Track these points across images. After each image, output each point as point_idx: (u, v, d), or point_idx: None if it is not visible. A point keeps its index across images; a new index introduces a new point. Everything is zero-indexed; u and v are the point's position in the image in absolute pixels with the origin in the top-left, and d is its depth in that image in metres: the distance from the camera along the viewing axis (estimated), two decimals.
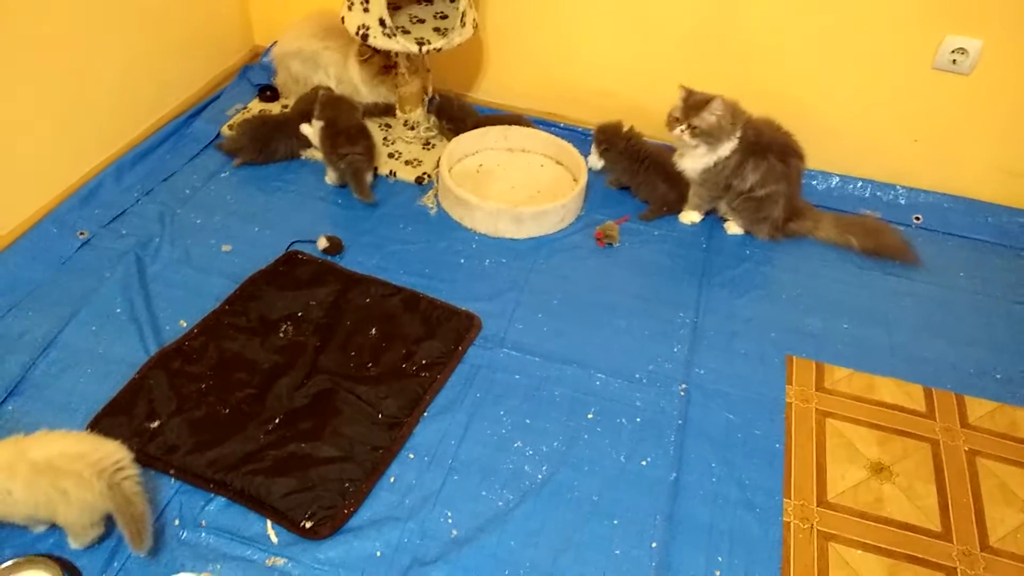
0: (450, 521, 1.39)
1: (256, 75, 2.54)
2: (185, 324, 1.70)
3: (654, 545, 1.38)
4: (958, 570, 1.37)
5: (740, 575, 1.35)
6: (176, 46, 2.30)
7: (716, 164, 1.96)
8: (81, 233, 1.90)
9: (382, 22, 2.01)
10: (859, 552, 1.39)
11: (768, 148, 1.98)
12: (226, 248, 1.92)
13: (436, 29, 2.14)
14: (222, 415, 1.50)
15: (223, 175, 2.16)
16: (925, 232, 2.16)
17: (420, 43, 2.05)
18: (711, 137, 1.90)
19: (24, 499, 1.23)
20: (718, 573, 1.35)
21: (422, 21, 2.18)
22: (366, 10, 2.01)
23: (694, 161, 1.97)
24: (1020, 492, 1.50)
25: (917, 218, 2.20)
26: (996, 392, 1.70)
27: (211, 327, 1.68)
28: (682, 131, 1.89)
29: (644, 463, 1.52)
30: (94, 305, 1.72)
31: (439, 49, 2.08)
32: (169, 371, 1.57)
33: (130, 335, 1.66)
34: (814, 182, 2.26)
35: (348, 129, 2.07)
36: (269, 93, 2.45)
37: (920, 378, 1.72)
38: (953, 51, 2.01)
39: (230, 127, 2.30)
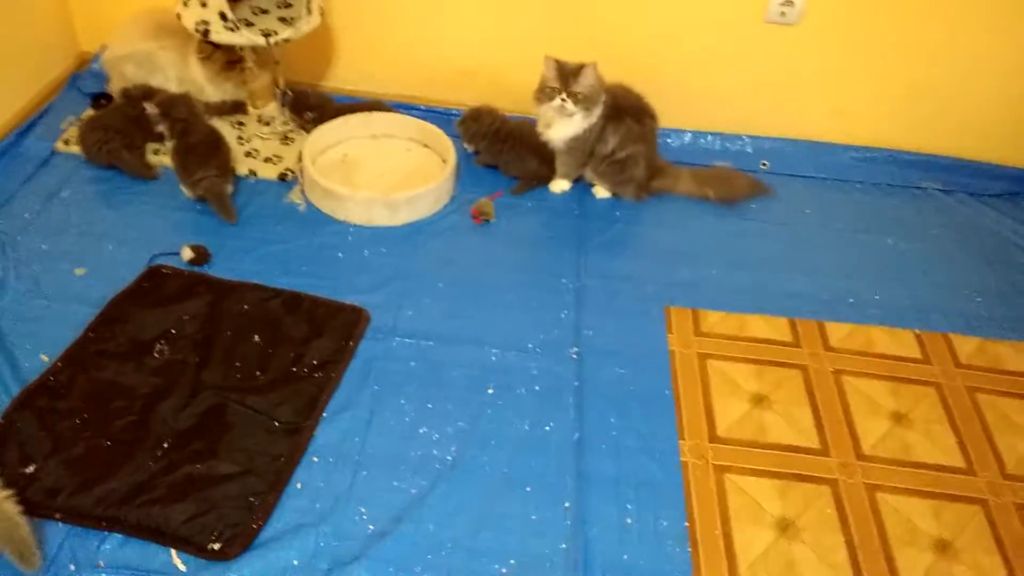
0: (365, 517, 1.38)
1: (86, 83, 2.36)
2: (47, 358, 1.57)
3: (567, 505, 1.43)
4: (839, 480, 1.51)
5: (649, 518, 1.42)
6: None
7: (584, 131, 2.01)
8: None
9: (223, 16, 1.92)
10: (752, 478, 1.50)
11: (624, 111, 2.06)
12: (80, 272, 1.78)
13: (282, 19, 2.07)
14: (104, 448, 1.41)
15: (64, 194, 2.00)
16: (772, 176, 2.31)
17: (267, 35, 1.98)
18: (589, 102, 1.95)
19: None
20: (629, 521, 1.41)
21: (265, 12, 2.09)
22: (204, 4, 1.91)
23: (563, 130, 2.02)
24: (882, 402, 1.66)
25: (764, 164, 2.35)
26: (851, 315, 1.86)
27: (76, 358, 1.56)
28: (563, 100, 1.93)
29: (547, 428, 1.56)
30: None
31: (287, 40, 2.01)
32: (37, 410, 1.45)
33: None
34: (668, 140, 2.37)
35: (197, 146, 1.95)
36: (104, 101, 2.29)
37: (784, 311, 1.86)
38: (781, 4, 2.15)
39: (65, 141, 2.13)
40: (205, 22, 1.94)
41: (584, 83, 1.93)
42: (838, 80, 2.27)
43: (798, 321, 1.83)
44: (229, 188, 1.99)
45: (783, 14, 2.17)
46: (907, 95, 2.27)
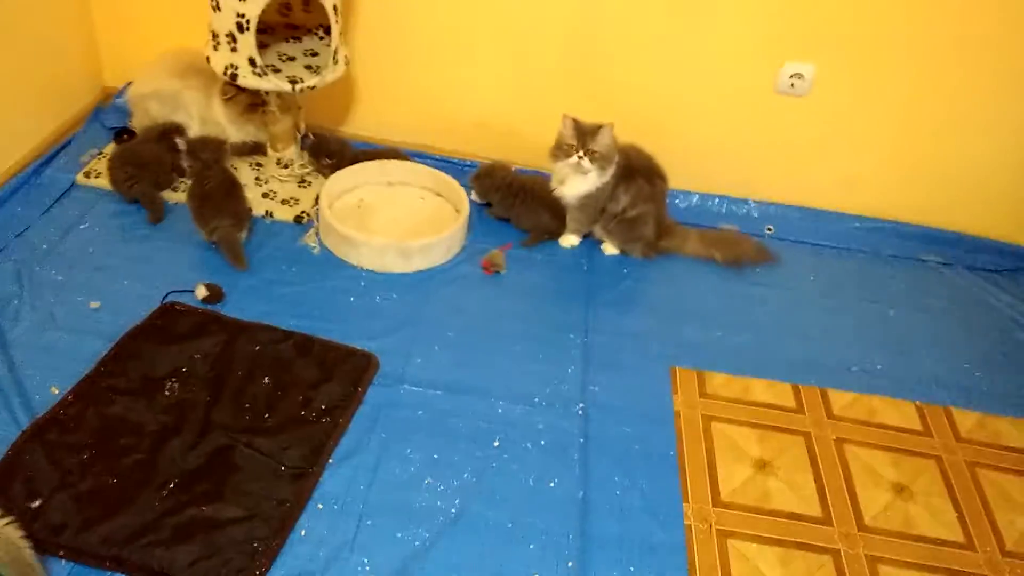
0: (368, 568, 1.38)
1: (109, 118, 2.41)
2: (57, 391, 1.58)
3: (571, 564, 1.43)
4: (841, 551, 1.51)
5: None
6: (19, 91, 2.14)
7: (597, 189, 2.05)
8: None
9: (252, 61, 1.97)
10: (754, 545, 1.50)
11: (636, 171, 2.11)
12: (94, 305, 1.80)
13: (308, 67, 2.12)
14: (111, 485, 1.41)
15: (83, 227, 2.03)
16: (777, 241, 2.35)
17: (293, 81, 2.03)
18: (605, 161, 2.00)
19: None
20: None
21: (292, 59, 2.15)
22: (234, 49, 1.96)
23: (577, 187, 2.06)
24: (884, 473, 1.67)
25: (769, 229, 2.39)
26: (854, 383, 1.88)
27: (87, 392, 1.57)
28: (580, 157, 1.97)
29: (552, 484, 1.56)
30: None
31: (313, 87, 2.06)
32: (45, 443, 1.45)
33: None
34: (676, 201, 2.42)
35: (213, 193, 1.98)
36: (126, 137, 2.33)
37: (787, 376, 1.88)
38: (791, 76, 2.22)
39: (86, 174, 2.17)
40: (234, 66, 1.99)
41: (601, 142, 1.99)
42: (844, 151, 2.33)
43: (802, 387, 1.85)
44: (243, 235, 2.01)
45: (792, 85, 2.23)
46: (911, 168, 2.33)
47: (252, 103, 2.27)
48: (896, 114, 2.25)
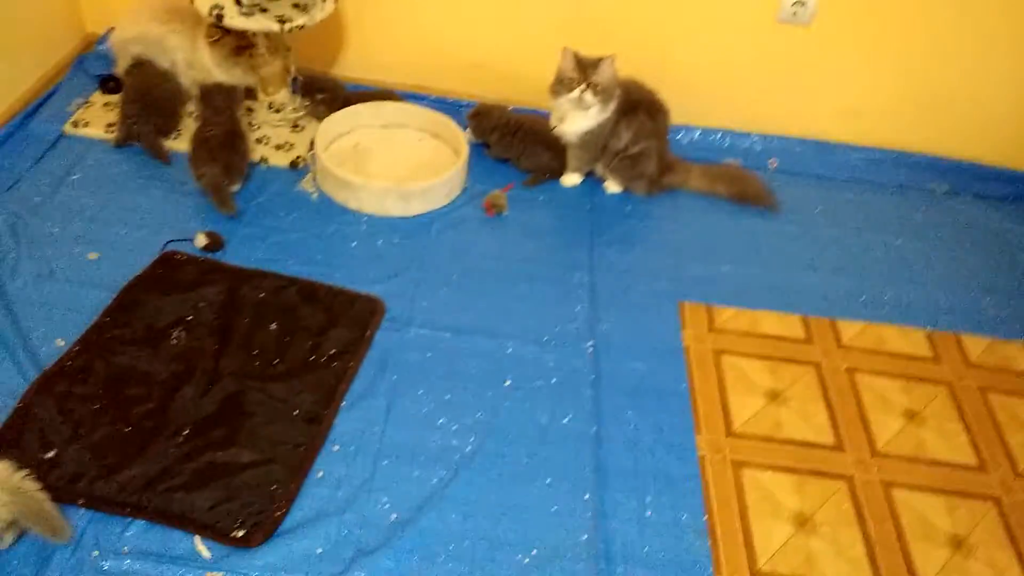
0: (387, 506, 1.38)
1: (93, 65, 2.33)
2: (63, 343, 1.56)
3: (587, 497, 1.43)
4: (855, 477, 1.52)
5: (667, 511, 1.43)
6: (1, 41, 2.06)
7: (598, 126, 2.01)
8: None
9: (238, 1, 1.90)
10: (769, 473, 1.51)
11: (637, 106, 2.06)
12: (93, 256, 1.77)
13: (296, 5, 2.04)
14: (124, 434, 1.40)
15: (74, 177, 1.98)
16: (781, 174, 2.32)
17: (281, 21, 1.96)
18: (607, 95, 1.95)
19: None
20: (649, 513, 1.42)
21: None
22: None
23: (577, 124, 2.02)
24: (895, 400, 1.68)
25: (773, 162, 2.36)
26: (862, 313, 1.88)
27: (93, 343, 1.55)
28: (582, 91, 1.92)
29: (565, 421, 1.56)
30: None
31: (301, 27, 1.99)
32: (55, 395, 1.44)
33: (2, 361, 1.50)
34: (678, 136, 2.38)
35: (210, 139, 1.93)
36: (112, 84, 2.26)
37: (796, 308, 1.88)
38: (793, 3, 2.16)
39: (74, 124, 2.11)
40: (219, 7, 1.92)
41: (603, 75, 1.94)
42: (848, 80, 2.29)
43: (810, 318, 1.84)
44: (234, 186, 1.96)
45: (795, 14, 2.18)
46: (916, 97, 2.29)
47: (238, 45, 2.20)
48: (900, 42, 2.20)
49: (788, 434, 1.59)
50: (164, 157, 2.04)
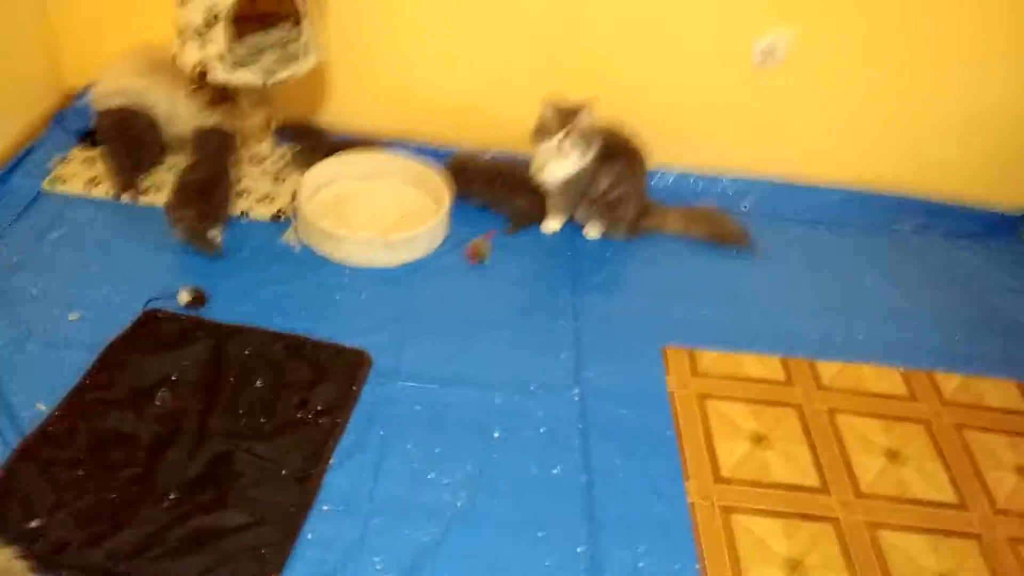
0: (379, 567, 1.37)
1: (72, 121, 2.33)
2: (44, 407, 1.54)
3: (580, 549, 1.44)
4: (840, 519, 1.54)
5: (661, 561, 1.44)
6: None
7: (578, 172, 2.05)
8: None
9: (222, 57, 1.92)
10: (758, 518, 1.53)
11: (616, 151, 2.11)
12: (73, 316, 1.75)
13: (279, 59, 2.06)
14: (110, 500, 1.38)
15: (54, 235, 1.96)
16: (756, 216, 2.37)
17: (267, 74, 1.98)
18: (586, 142, 1.99)
19: None
20: (642, 565, 1.43)
21: (261, 52, 2.09)
22: (202, 46, 1.90)
23: (558, 171, 2.05)
24: (876, 440, 1.71)
25: (745, 207, 2.40)
26: (840, 353, 1.92)
27: (76, 406, 1.53)
28: (562, 139, 1.96)
29: (556, 471, 1.57)
30: None
31: (286, 80, 2.02)
32: (38, 461, 1.42)
33: None
34: (655, 179, 2.41)
35: (190, 184, 1.94)
36: (93, 138, 2.26)
37: (775, 349, 1.91)
38: (762, 51, 2.23)
39: (52, 181, 2.10)
40: (203, 63, 1.94)
41: (581, 123, 1.98)
42: (817, 120, 2.35)
43: (790, 360, 1.88)
44: (213, 232, 1.96)
45: (768, 55, 2.24)
46: (885, 135, 2.35)
47: (219, 95, 2.21)
48: (867, 82, 2.27)
49: (775, 477, 1.61)
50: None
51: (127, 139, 2.11)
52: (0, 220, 1.98)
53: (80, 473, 1.41)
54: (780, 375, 1.84)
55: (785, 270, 2.18)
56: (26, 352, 1.65)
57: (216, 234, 1.98)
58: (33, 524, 1.33)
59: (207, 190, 1.96)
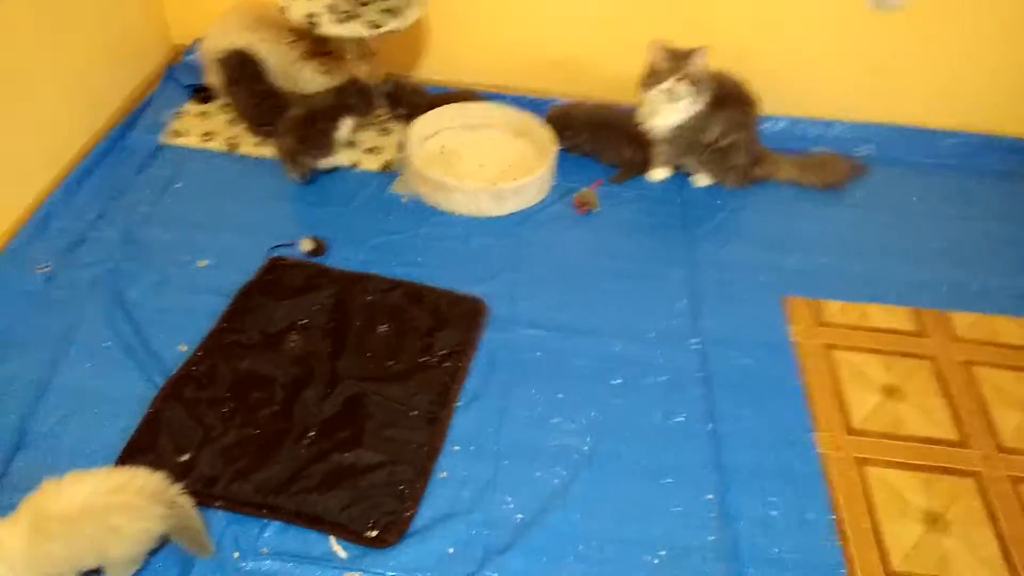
0: (512, 506, 1.39)
1: (182, 75, 2.38)
2: (185, 348, 1.60)
3: (710, 497, 1.42)
4: (982, 473, 1.48)
5: (793, 510, 1.41)
6: (92, 56, 2.11)
7: (689, 119, 1.99)
8: (41, 267, 1.74)
9: (332, 8, 1.92)
10: (894, 471, 1.48)
11: (727, 98, 2.03)
12: (202, 263, 1.81)
13: (385, 10, 2.06)
14: (254, 437, 1.43)
15: (177, 186, 2.03)
16: (873, 162, 2.27)
17: (374, 27, 1.98)
18: (700, 86, 1.92)
19: (67, 555, 1.14)
20: (774, 513, 1.40)
21: (365, 3, 2.09)
22: None
23: (667, 118, 2.00)
24: (1016, 393, 1.63)
25: (863, 151, 2.30)
26: (973, 304, 1.83)
27: (214, 348, 1.59)
28: (675, 81, 1.90)
29: (680, 419, 1.55)
30: (80, 342, 1.59)
31: (392, 31, 2.01)
32: (184, 400, 1.48)
33: (129, 368, 1.55)
34: (765, 126, 2.33)
35: (294, 116, 2.01)
36: (204, 94, 2.31)
37: (903, 299, 1.83)
38: None
39: (171, 134, 2.16)
40: (314, 14, 1.95)
41: (695, 66, 1.91)
42: (942, 64, 2.22)
43: (922, 311, 1.80)
44: (307, 159, 2.01)
45: (881, 3, 2.12)
46: (1013, 78, 2.21)
47: (318, 48, 2.22)
48: (995, 22, 2.12)
49: (910, 430, 1.55)
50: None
51: (252, 76, 2.15)
52: (125, 173, 2.05)
53: (224, 411, 1.47)
54: (911, 326, 1.77)
55: (907, 218, 2.08)
56: (163, 296, 1.72)
57: (310, 161, 2.01)
58: (183, 459, 1.39)
59: (308, 121, 2.00)
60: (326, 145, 2.04)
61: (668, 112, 2.01)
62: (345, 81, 2.09)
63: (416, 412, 1.50)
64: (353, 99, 2.05)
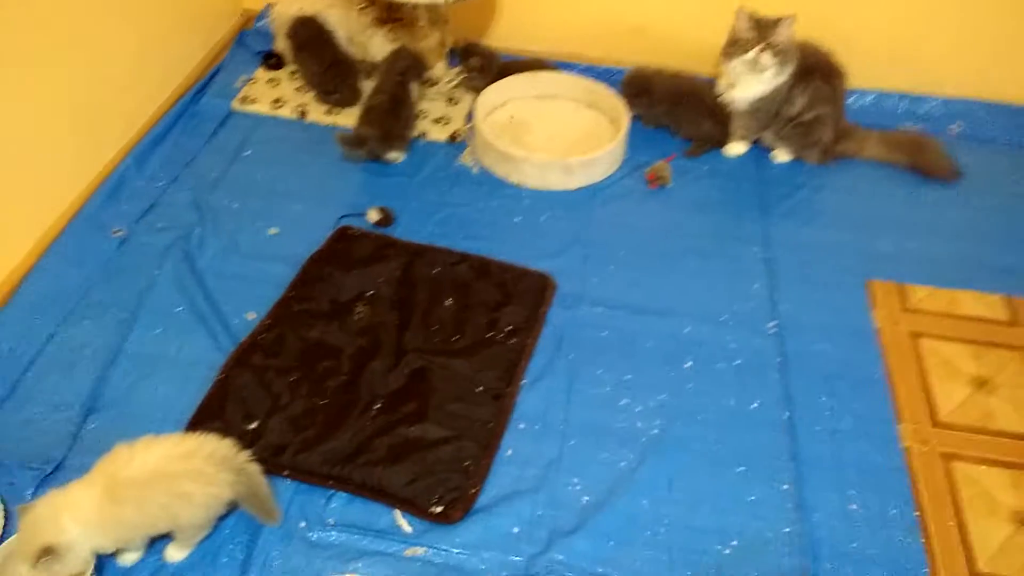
0: (578, 488, 1.36)
1: (254, 41, 2.38)
2: (254, 316, 1.61)
3: (786, 487, 1.37)
4: None
5: (874, 505, 1.35)
6: (164, 22, 2.11)
7: (772, 91, 1.89)
8: (116, 231, 1.77)
9: None
10: (983, 467, 1.40)
11: (813, 70, 1.93)
12: (272, 231, 1.81)
13: None
14: (321, 407, 1.43)
15: (247, 152, 2.03)
16: (965, 142, 2.13)
17: None
18: (785, 57, 1.83)
19: (138, 520, 1.16)
20: (854, 507, 1.34)
21: None
22: None
23: (750, 89, 1.91)
24: None
25: (954, 128, 2.17)
26: None
27: (283, 316, 1.59)
28: (759, 52, 1.81)
29: (754, 406, 1.49)
30: (152, 307, 1.62)
31: (462, 1, 1.96)
32: (253, 368, 1.48)
33: (199, 334, 1.56)
34: (850, 100, 2.21)
35: (376, 107, 1.98)
36: (274, 60, 2.31)
37: (996, 287, 1.72)
38: None
39: (241, 100, 2.16)
40: None
41: (781, 35, 1.82)
42: None
43: (1016, 299, 1.69)
44: (394, 154, 1.98)
45: None
46: None
47: (386, 16, 2.19)
48: None
49: (1001, 425, 1.46)
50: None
51: (320, 43, 2.14)
52: (196, 139, 2.06)
53: (292, 380, 1.47)
54: (1003, 315, 1.66)
55: (1002, 201, 1.95)
56: (232, 263, 1.72)
57: (397, 156, 1.99)
58: (252, 426, 1.40)
59: (392, 112, 1.96)
60: (406, 138, 2.02)
61: (751, 83, 1.91)
62: (399, 50, 2.07)
63: (481, 388, 1.48)
64: (409, 70, 2.01)
